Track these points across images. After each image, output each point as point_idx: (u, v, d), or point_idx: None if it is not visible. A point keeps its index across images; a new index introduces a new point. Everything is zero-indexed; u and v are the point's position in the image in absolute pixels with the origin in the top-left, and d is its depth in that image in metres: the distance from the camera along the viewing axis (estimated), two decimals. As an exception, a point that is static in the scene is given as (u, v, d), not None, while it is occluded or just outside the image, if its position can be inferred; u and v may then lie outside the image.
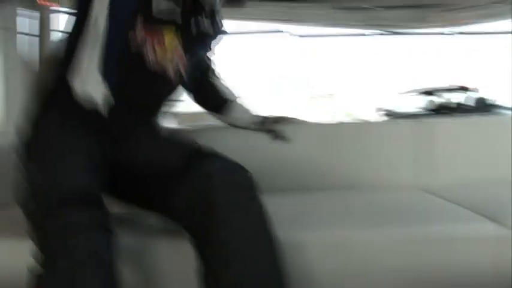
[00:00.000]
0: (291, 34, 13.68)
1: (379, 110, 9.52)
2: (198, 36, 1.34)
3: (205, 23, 1.34)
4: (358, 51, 14.20)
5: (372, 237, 1.39)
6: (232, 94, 1.73)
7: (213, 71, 1.69)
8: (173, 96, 1.41)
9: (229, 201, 1.14)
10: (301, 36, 14.10)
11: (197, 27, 1.32)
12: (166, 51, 1.23)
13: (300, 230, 1.40)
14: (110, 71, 1.20)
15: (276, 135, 1.80)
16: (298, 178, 1.92)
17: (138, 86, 1.27)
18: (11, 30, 3.64)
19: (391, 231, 1.41)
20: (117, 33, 1.19)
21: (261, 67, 15.77)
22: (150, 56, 1.21)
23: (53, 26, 4.03)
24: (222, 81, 1.71)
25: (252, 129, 1.78)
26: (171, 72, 1.28)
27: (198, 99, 1.71)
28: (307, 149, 1.94)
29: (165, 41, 1.21)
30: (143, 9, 1.19)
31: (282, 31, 15.37)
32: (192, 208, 1.17)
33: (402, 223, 1.45)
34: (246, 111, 1.76)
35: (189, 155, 1.25)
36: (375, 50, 13.30)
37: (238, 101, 1.75)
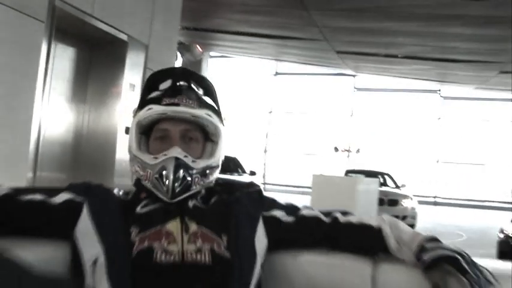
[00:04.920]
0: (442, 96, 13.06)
1: None
2: (208, 209, 1.10)
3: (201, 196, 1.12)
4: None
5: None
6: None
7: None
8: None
9: None
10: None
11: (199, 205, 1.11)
12: (182, 242, 1.02)
13: None
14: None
15: None
16: None
17: None
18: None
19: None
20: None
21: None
22: (163, 258, 1.00)
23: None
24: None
25: None
26: (204, 259, 1.02)
27: None
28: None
29: (173, 233, 1.03)
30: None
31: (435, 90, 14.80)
32: None
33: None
34: None
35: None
36: None
37: None
